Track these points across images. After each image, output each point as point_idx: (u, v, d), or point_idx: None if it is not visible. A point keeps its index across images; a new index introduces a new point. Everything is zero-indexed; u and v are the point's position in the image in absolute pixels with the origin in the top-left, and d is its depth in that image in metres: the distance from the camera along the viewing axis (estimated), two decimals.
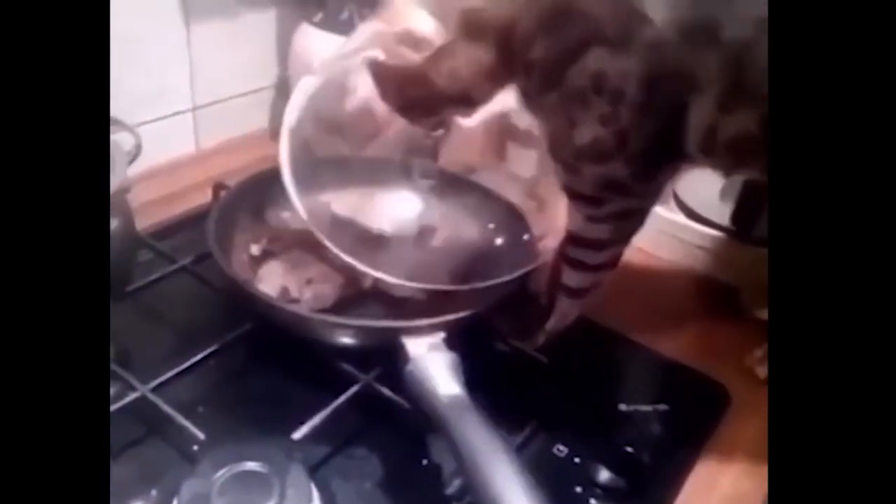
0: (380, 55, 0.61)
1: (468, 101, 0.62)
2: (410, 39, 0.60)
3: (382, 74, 0.61)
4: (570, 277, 0.64)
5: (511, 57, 0.56)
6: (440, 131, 0.69)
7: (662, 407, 0.62)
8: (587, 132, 0.54)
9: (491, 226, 0.76)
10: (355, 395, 0.58)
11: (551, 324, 0.66)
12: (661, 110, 0.52)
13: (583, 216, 0.60)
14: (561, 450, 0.58)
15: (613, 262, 0.63)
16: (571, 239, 0.62)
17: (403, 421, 0.57)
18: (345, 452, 0.56)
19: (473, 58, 0.58)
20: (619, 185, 0.56)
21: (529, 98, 0.58)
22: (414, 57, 0.60)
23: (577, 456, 0.57)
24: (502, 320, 0.66)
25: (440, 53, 0.58)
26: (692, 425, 0.62)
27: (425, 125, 0.66)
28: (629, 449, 0.57)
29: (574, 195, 0.60)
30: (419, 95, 0.61)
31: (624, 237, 0.61)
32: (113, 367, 0.57)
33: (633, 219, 0.60)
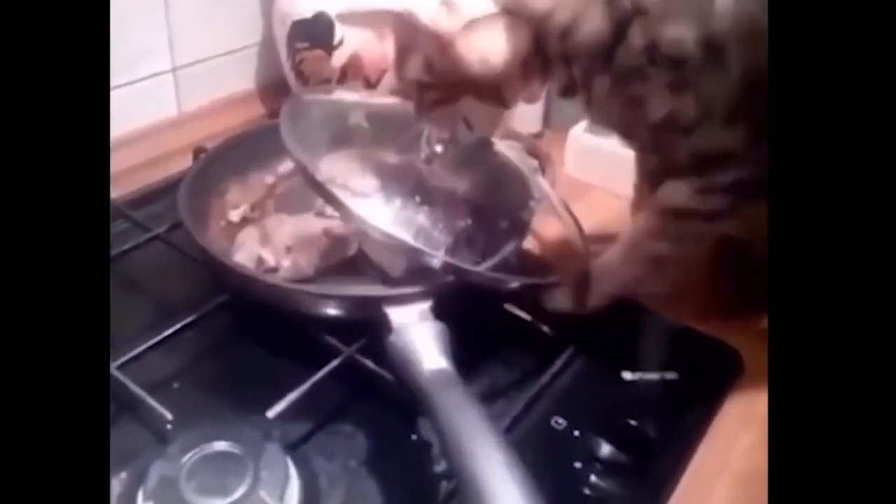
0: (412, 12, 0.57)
1: (493, 94, 0.58)
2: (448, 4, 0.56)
3: (406, 33, 0.58)
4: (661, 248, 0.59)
5: (547, 50, 0.55)
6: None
7: (670, 375, 0.58)
8: (659, 105, 0.52)
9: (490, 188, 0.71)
10: (337, 368, 0.54)
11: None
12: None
13: (691, 190, 0.55)
14: (559, 422, 0.54)
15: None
16: (674, 214, 0.57)
17: (390, 395, 0.53)
18: (327, 429, 0.53)
19: (510, 43, 0.55)
20: (720, 154, 0.52)
21: (572, 90, 0.56)
22: (447, 23, 0.56)
23: (576, 429, 0.53)
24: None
25: (475, 26, 0.55)
26: (701, 394, 0.57)
27: (436, 118, 0.61)
28: (633, 421, 0.53)
29: (673, 172, 0.56)
30: (440, 73, 0.57)
31: (738, 209, 0.56)
32: None
33: (751, 189, 0.54)
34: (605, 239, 0.66)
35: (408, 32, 0.59)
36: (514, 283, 0.57)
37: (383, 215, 0.61)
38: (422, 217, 0.63)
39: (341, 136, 0.69)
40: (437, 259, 0.54)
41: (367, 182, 0.63)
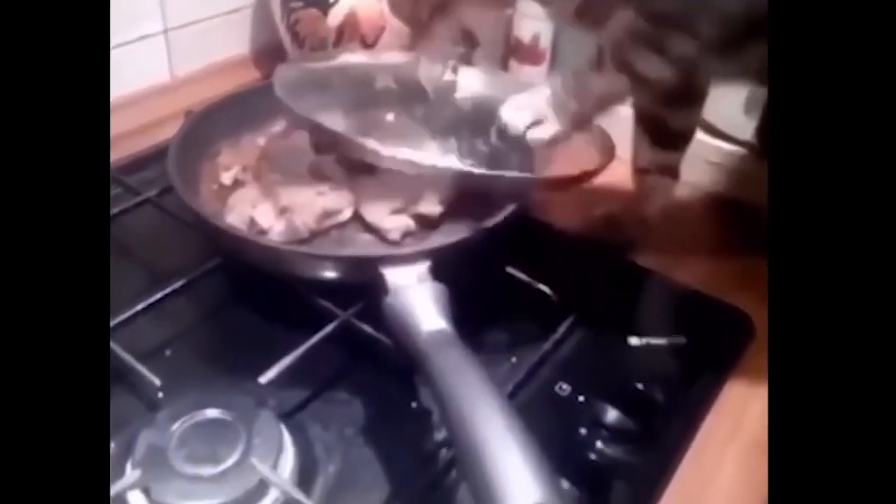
0: None
1: None
2: None
3: None
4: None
5: None
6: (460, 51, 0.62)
7: (678, 339, 0.56)
8: None
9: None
10: (333, 332, 0.52)
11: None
12: None
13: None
14: (563, 388, 0.52)
15: None
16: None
17: (388, 360, 0.52)
18: (323, 396, 0.51)
19: None
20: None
21: None
22: None
23: (581, 394, 0.52)
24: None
25: None
26: (711, 359, 0.55)
27: (440, 31, 0.58)
28: (640, 386, 0.52)
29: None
30: None
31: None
32: None
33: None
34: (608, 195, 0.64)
35: None
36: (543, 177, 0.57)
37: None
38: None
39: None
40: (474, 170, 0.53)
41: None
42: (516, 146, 0.58)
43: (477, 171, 0.56)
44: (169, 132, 0.75)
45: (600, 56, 0.56)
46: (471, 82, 0.66)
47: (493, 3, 0.58)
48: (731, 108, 0.75)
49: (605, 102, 0.59)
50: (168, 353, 0.54)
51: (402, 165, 0.53)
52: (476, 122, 0.62)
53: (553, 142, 0.58)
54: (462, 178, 0.55)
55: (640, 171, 0.68)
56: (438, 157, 0.60)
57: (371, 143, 0.53)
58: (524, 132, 0.57)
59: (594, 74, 0.57)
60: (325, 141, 0.58)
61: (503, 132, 0.58)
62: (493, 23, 0.60)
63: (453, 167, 0.56)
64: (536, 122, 0.57)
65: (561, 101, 0.58)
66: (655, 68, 0.55)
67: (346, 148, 0.55)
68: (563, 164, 0.60)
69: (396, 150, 0.52)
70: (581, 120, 0.59)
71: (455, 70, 0.61)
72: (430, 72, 0.62)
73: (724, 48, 0.55)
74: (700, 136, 0.75)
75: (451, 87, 0.62)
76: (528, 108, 0.58)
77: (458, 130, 0.61)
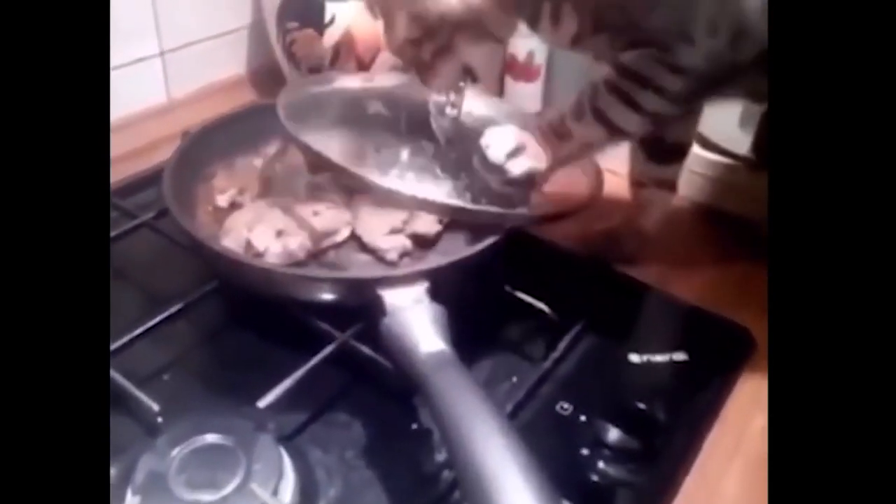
0: None
1: (482, 31, 0.57)
2: None
3: None
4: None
5: None
6: (462, 85, 0.63)
7: (679, 356, 0.56)
8: None
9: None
10: (332, 354, 0.52)
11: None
12: None
13: (650, 58, 0.54)
14: (565, 407, 0.52)
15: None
16: (625, 72, 0.56)
17: (388, 382, 0.51)
18: (322, 419, 0.51)
19: None
20: (679, 34, 0.52)
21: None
22: None
23: (582, 414, 0.51)
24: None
25: None
26: (712, 375, 0.55)
27: (441, 74, 0.60)
28: (641, 405, 0.51)
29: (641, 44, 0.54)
30: (426, 24, 0.56)
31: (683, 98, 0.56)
32: None
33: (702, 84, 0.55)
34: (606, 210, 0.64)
35: None
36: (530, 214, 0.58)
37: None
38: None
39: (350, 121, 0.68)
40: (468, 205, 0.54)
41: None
42: (516, 182, 0.58)
43: (467, 205, 0.58)
44: (165, 154, 0.74)
45: (580, 103, 0.57)
46: (473, 108, 0.67)
47: (491, 39, 0.58)
48: (726, 123, 0.76)
49: (585, 149, 0.60)
50: (166, 377, 0.54)
51: (393, 196, 0.55)
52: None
53: (534, 175, 0.59)
54: (453, 212, 0.57)
55: (637, 185, 0.68)
56: (428, 189, 0.61)
57: (369, 175, 0.55)
58: (504, 160, 0.58)
59: (573, 121, 0.58)
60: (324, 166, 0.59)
61: (484, 160, 0.58)
62: (490, 55, 0.61)
63: (442, 200, 0.57)
64: (517, 151, 0.58)
65: (542, 139, 0.59)
66: (626, 120, 0.56)
67: (345, 178, 0.55)
68: (553, 195, 0.62)
69: (388, 181, 0.55)
70: (561, 163, 0.60)
71: (459, 108, 0.62)
72: (440, 120, 0.63)
73: (690, 101, 0.57)
74: (696, 149, 0.76)
75: (459, 128, 0.62)
76: (509, 137, 0.58)
77: (467, 168, 0.62)
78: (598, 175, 0.65)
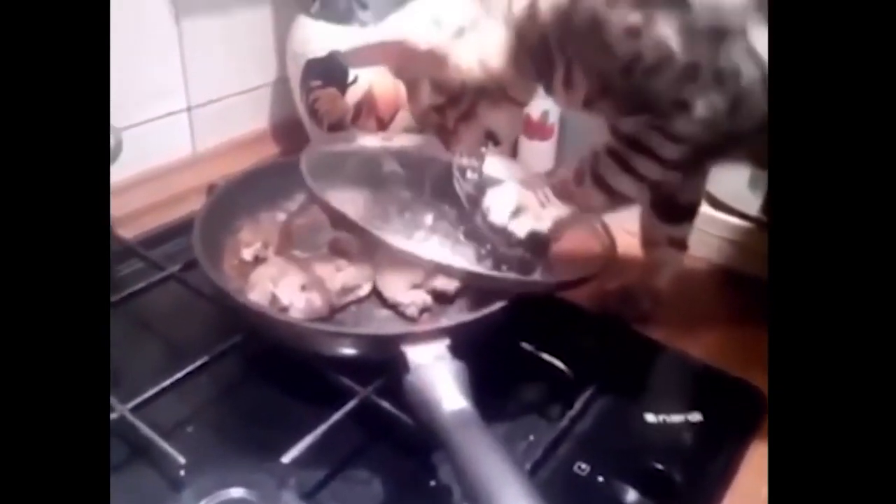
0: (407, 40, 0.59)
1: (504, 95, 0.59)
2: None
3: (407, 62, 0.59)
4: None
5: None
6: (483, 150, 0.65)
7: (694, 416, 0.57)
8: (625, 47, 0.52)
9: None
10: (354, 410, 0.53)
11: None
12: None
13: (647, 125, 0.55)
14: (582, 468, 0.52)
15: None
16: (627, 141, 0.57)
17: (408, 438, 0.52)
18: (343, 475, 0.52)
19: (503, 42, 0.56)
20: (678, 102, 0.53)
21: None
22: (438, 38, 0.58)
23: (600, 475, 0.52)
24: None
25: (465, 33, 0.57)
26: (728, 436, 0.56)
27: (464, 139, 0.62)
28: (658, 465, 0.52)
29: (642, 109, 0.55)
30: (449, 90, 0.59)
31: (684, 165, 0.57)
32: None
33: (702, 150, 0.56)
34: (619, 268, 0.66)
35: (408, 61, 0.60)
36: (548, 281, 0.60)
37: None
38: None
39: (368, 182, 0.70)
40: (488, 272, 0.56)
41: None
42: (523, 244, 0.60)
43: (487, 272, 0.59)
44: (190, 207, 0.77)
45: (580, 169, 0.59)
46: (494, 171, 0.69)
47: (512, 103, 0.61)
48: (736, 183, 0.77)
49: (585, 212, 0.62)
50: (190, 429, 0.55)
51: (414, 260, 0.57)
52: None
53: (539, 236, 0.60)
54: (473, 278, 0.58)
55: (649, 244, 0.70)
56: (449, 254, 0.64)
57: (391, 239, 0.57)
58: (507, 222, 0.59)
59: (574, 187, 0.60)
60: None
61: (487, 222, 0.60)
62: (511, 119, 0.63)
63: (461, 266, 0.58)
64: (518, 211, 0.60)
65: (543, 200, 0.61)
66: (624, 186, 0.58)
67: (367, 237, 0.57)
68: (568, 256, 0.64)
69: (411, 245, 0.57)
70: (563, 225, 0.61)
71: (480, 172, 0.64)
72: (463, 184, 0.65)
73: (688, 169, 0.58)
74: (707, 209, 0.77)
75: (481, 192, 0.64)
76: (510, 197, 0.60)
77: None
78: (610, 235, 0.66)
